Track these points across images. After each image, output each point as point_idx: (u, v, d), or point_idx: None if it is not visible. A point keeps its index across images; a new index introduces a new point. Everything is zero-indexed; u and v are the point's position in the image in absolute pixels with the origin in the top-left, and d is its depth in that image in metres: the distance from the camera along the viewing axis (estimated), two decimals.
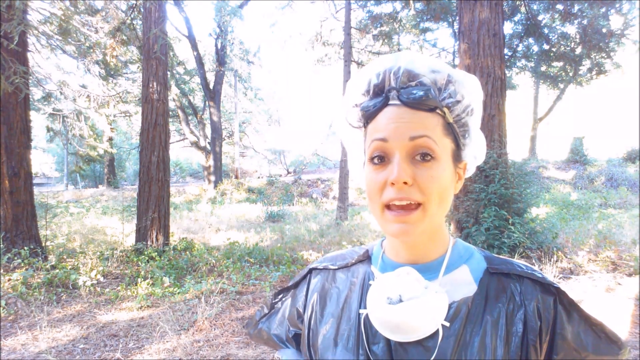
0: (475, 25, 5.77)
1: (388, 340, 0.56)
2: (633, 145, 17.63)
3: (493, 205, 5.22)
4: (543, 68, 11.23)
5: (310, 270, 0.71)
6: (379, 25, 11.80)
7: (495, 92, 5.70)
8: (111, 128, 18.93)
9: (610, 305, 3.80)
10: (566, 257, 5.25)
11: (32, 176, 5.61)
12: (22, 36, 5.29)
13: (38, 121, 17.31)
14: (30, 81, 6.04)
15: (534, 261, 4.92)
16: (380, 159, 0.54)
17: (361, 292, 0.62)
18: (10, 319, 3.74)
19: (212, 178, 17.70)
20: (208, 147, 18.57)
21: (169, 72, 10.29)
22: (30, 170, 5.56)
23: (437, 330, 0.54)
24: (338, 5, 13.09)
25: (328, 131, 25.48)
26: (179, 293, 4.47)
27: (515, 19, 9.90)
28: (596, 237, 6.34)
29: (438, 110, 0.55)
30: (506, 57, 9.32)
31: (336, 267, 0.68)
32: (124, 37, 7.17)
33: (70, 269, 4.94)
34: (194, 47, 16.24)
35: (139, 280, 4.78)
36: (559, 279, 4.60)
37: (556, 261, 4.96)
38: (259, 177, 22.67)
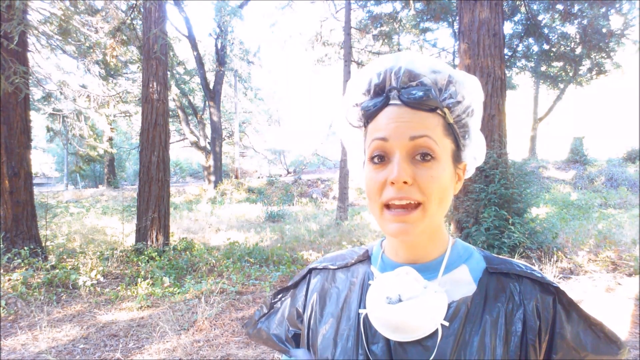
0: (475, 25, 5.77)
1: (387, 340, 0.56)
2: (633, 145, 17.64)
3: (493, 205, 5.22)
4: (543, 68, 11.23)
5: (310, 270, 0.71)
6: (379, 25, 11.80)
7: (495, 92, 5.70)
8: (111, 128, 18.93)
9: (610, 305, 3.80)
10: (566, 257, 5.25)
11: (32, 176, 5.61)
12: (22, 36, 5.28)
13: (38, 121, 17.32)
14: (30, 81, 6.04)
15: (534, 261, 4.92)
16: (380, 158, 0.54)
17: (361, 292, 0.62)
18: (10, 319, 3.74)
19: (212, 178, 17.70)
20: (208, 147, 18.57)
21: (169, 72, 10.29)
22: (30, 170, 5.56)
23: (437, 330, 0.54)
24: (338, 5, 13.10)
25: (328, 131, 25.48)
26: (179, 293, 4.47)
27: (515, 19, 9.90)
28: (596, 237, 6.34)
29: (439, 111, 0.55)
30: (506, 57, 9.33)
31: (336, 267, 0.68)
32: (124, 37, 7.16)
33: (70, 269, 4.94)
34: (194, 47, 16.24)
35: (139, 280, 4.78)
36: (559, 279, 4.60)
37: (556, 261, 4.96)
38: (259, 177, 22.67)
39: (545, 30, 9.52)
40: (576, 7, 8.95)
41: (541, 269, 4.65)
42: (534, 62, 10.85)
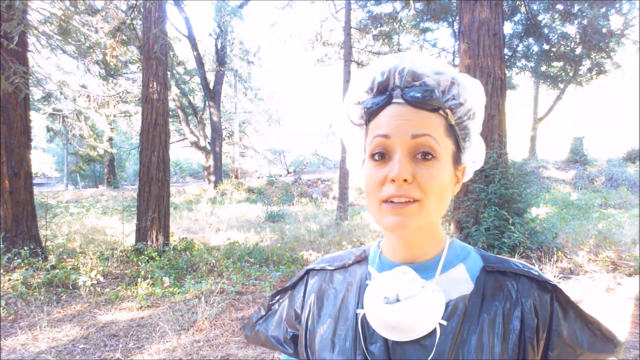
0: (475, 25, 5.77)
1: (385, 340, 0.56)
2: (633, 145, 17.64)
3: (493, 205, 5.22)
4: (543, 68, 11.23)
5: (308, 271, 0.71)
6: (379, 25, 11.80)
7: (495, 92, 5.70)
8: (111, 128, 18.93)
9: (610, 305, 3.80)
10: (566, 257, 5.25)
11: (32, 176, 5.61)
12: (22, 36, 5.28)
13: (38, 121, 17.32)
14: (30, 81, 6.04)
15: (534, 261, 4.92)
16: (381, 155, 0.54)
17: (358, 292, 0.62)
18: (10, 319, 3.74)
19: (212, 178, 17.70)
20: (208, 147, 18.58)
21: (169, 72, 10.29)
22: (30, 170, 5.56)
23: (435, 329, 0.54)
24: (338, 5, 13.10)
25: (328, 131, 25.49)
26: (179, 293, 4.47)
27: (515, 19, 9.90)
28: (596, 237, 6.34)
29: (441, 112, 0.55)
30: (506, 57, 9.33)
31: (333, 268, 0.68)
32: (124, 37, 7.16)
33: (70, 269, 4.94)
34: (194, 47, 16.24)
35: (139, 280, 4.78)
36: (559, 279, 4.60)
37: (556, 261, 4.96)
38: (259, 177, 22.68)
39: (545, 30, 9.52)
40: (576, 7, 8.95)
41: (541, 269, 4.66)
42: (534, 62, 10.86)
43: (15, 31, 4.89)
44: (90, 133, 14.69)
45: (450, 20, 10.48)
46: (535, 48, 10.27)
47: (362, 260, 0.67)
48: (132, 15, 7.14)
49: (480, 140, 0.63)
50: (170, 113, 14.98)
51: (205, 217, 10.90)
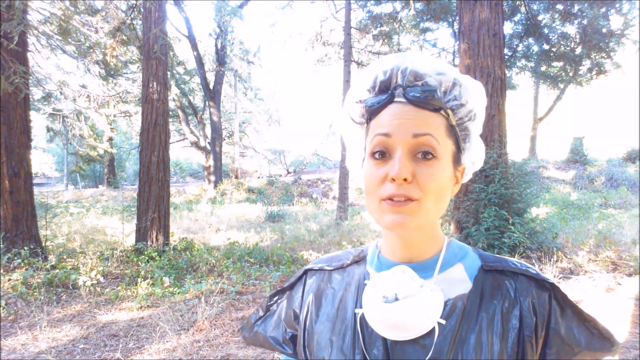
0: (475, 25, 5.77)
1: (384, 340, 0.56)
2: (633, 145, 17.64)
3: (493, 205, 5.22)
4: (543, 68, 11.24)
5: (306, 271, 0.71)
6: (379, 25, 11.80)
7: (495, 92, 5.70)
8: (111, 128, 18.93)
9: (610, 305, 3.80)
10: (566, 257, 5.25)
11: (32, 176, 5.61)
12: (22, 36, 5.28)
13: (38, 121, 17.32)
14: (30, 81, 6.04)
15: (534, 261, 4.92)
16: (382, 154, 0.54)
17: (357, 292, 0.62)
18: (10, 319, 3.74)
19: (212, 178, 17.70)
20: (208, 147, 18.58)
21: (169, 72, 10.29)
22: (30, 170, 5.56)
23: (434, 328, 0.54)
24: (338, 5, 13.10)
25: (328, 131, 25.50)
26: (179, 293, 4.47)
27: (515, 19, 9.90)
28: (596, 237, 6.34)
29: (442, 112, 0.56)
30: (506, 57, 9.33)
31: (332, 268, 0.68)
32: (124, 37, 7.16)
33: (70, 269, 4.94)
34: (194, 47, 16.24)
35: (139, 280, 4.78)
36: (559, 279, 4.60)
37: (556, 261, 4.96)
38: (259, 177, 22.68)
39: (545, 30, 9.53)
40: (576, 7, 8.95)
41: (541, 269, 4.66)
42: (534, 62, 10.86)
43: (15, 31, 4.89)
44: (90, 133, 14.70)
45: (450, 20, 10.48)
46: (535, 48, 10.27)
47: (360, 260, 0.67)
48: (132, 15, 7.14)
49: (480, 142, 0.63)
50: (170, 113, 14.99)
51: (205, 217, 10.90)
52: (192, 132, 18.61)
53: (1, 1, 4.91)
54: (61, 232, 7.13)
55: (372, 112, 0.57)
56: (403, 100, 0.55)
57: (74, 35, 7.05)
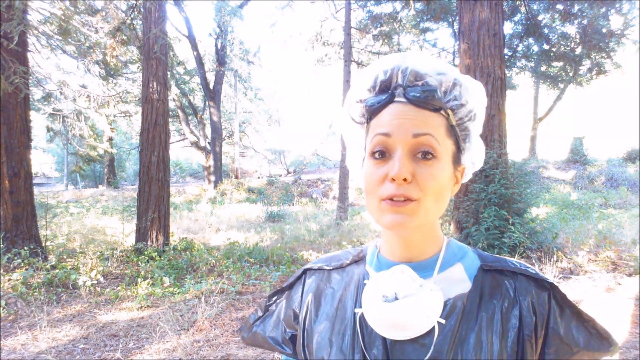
0: (475, 25, 5.77)
1: (384, 339, 0.56)
2: (633, 145, 17.64)
3: (493, 205, 5.22)
4: (543, 68, 11.24)
5: (305, 271, 0.71)
6: (379, 25, 11.80)
7: (495, 92, 5.70)
8: (111, 128, 18.94)
9: (610, 305, 3.80)
10: (566, 257, 5.25)
11: (32, 176, 5.61)
12: (22, 36, 5.28)
13: (38, 121, 17.32)
14: (30, 81, 6.04)
15: (534, 261, 4.92)
16: (382, 154, 0.54)
17: (356, 291, 0.62)
18: (10, 319, 3.74)
19: (212, 178, 17.70)
20: (208, 147, 18.58)
21: (169, 72, 10.29)
22: (30, 170, 5.56)
23: (433, 328, 0.54)
24: (338, 5, 13.10)
25: (328, 131, 25.50)
26: (179, 293, 4.47)
27: (515, 19, 9.90)
28: (596, 237, 6.34)
29: (442, 112, 0.56)
30: (506, 57, 9.33)
31: (331, 268, 0.68)
32: (124, 37, 7.16)
33: (70, 269, 4.94)
34: (194, 47, 16.24)
35: (139, 280, 4.78)
36: (559, 279, 4.60)
37: (556, 261, 4.96)
38: (259, 177, 22.68)
39: (545, 30, 9.52)
40: (576, 7, 8.95)
41: (541, 269, 4.66)
42: (534, 62, 10.86)
43: (15, 31, 4.89)
44: (90, 133, 14.70)
45: (450, 20, 10.48)
46: (535, 48, 10.27)
47: (359, 260, 0.67)
48: (132, 15, 7.14)
49: (480, 142, 0.63)
50: (170, 113, 15.00)
51: (205, 217, 10.90)
52: (192, 132, 18.61)
53: (1, 1, 4.91)
54: (61, 232, 7.13)
55: (372, 112, 0.57)
56: (403, 100, 0.55)
57: (74, 35, 7.05)
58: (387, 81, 0.56)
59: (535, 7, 9.47)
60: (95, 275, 4.80)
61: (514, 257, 4.95)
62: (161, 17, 6.30)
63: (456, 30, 10.03)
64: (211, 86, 17.70)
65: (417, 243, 0.59)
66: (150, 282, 4.77)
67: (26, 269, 4.77)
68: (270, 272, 5.30)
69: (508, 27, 10.11)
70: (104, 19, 7.12)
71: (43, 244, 5.64)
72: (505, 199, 5.27)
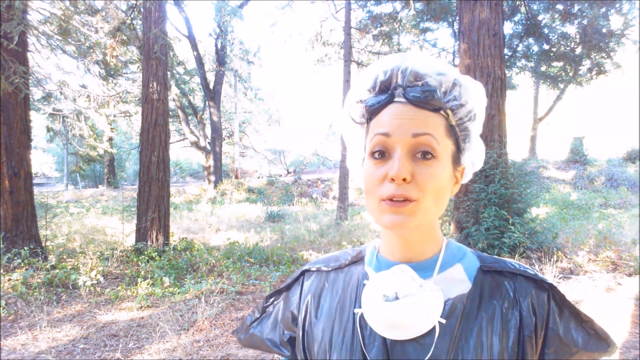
0: (475, 25, 5.77)
1: (384, 339, 0.56)
2: (633, 145, 17.64)
3: (493, 205, 5.22)
4: (543, 68, 11.24)
5: (303, 272, 0.70)
6: (379, 25, 11.80)
7: (495, 92, 5.70)
8: (111, 128, 18.93)
9: (610, 305, 3.80)
10: (566, 257, 5.25)
11: (32, 176, 5.61)
12: (22, 36, 5.28)
13: (38, 121, 17.33)
14: (30, 81, 6.04)
15: (534, 261, 4.92)
16: (381, 154, 0.54)
17: (355, 292, 0.62)
18: (10, 319, 3.74)
19: (212, 178, 17.70)
20: (208, 147, 18.58)
21: (169, 72, 10.29)
22: (30, 170, 5.56)
23: (434, 328, 0.54)
24: (338, 5, 13.10)
25: (328, 131, 25.50)
26: (179, 293, 4.47)
27: (515, 19, 9.90)
28: (596, 237, 6.33)
29: (442, 112, 0.56)
30: (506, 57, 9.33)
31: (329, 269, 0.68)
32: (124, 37, 7.16)
33: (70, 269, 4.94)
34: (194, 47, 16.24)
35: (139, 280, 4.78)
36: (559, 279, 4.60)
37: (556, 261, 4.96)
38: (259, 177, 22.68)
39: (545, 30, 9.52)
40: (576, 7, 8.95)
41: (541, 269, 4.66)
42: (534, 62, 10.86)
43: (15, 31, 4.89)
44: (90, 133, 14.70)
45: (450, 20, 10.48)
46: (535, 48, 10.27)
47: (358, 260, 0.67)
48: (132, 15, 7.14)
49: (480, 142, 0.63)
50: (170, 113, 15.00)
51: (205, 217, 10.90)
52: (192, 132, 18.61)
53: (1, 1, 4.91)
54: (61, 232, 7.13)
55: (372, 112, 0.57)
56: (403, 100, 0.55)
57: (74, 35, 7.05)
58: (387, 81, 0.56)
59: (535, 7, 9.47)
60: (95, 275, 4.80)
61: (514, 257, 4.95)
62: (161, 17, 6.30)
63: (456, 30, 10.03)
64: (211, 86, 17.70)
65: (416, 243, 0.59)
66: (150, 282, 4.77)
67: (26, 269, 4.77)
68: (270, 272, 5.30)
69: (508, 27, 10.12)
70: (104, 19, 7.12)
71: (43, 244, 5.64)
72: (505, 199, 5.27)
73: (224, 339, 3.33)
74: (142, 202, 6.17)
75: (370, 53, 13.88)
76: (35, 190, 6.32)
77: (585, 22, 8.95)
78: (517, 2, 9.38)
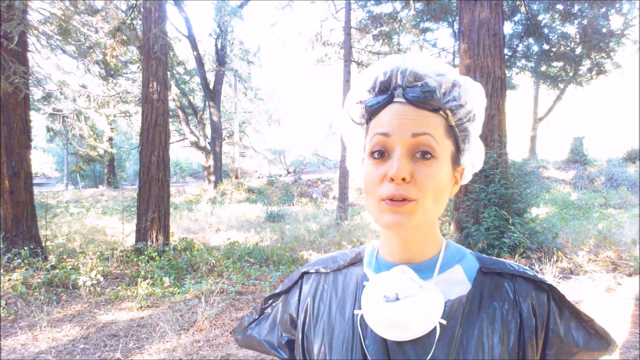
0: (475, 25, 5.77)
1: (384, 340, 0.56)
2: (633, 145, 17.64)
3: (493, 205, 5.22)
4: (543, 68, 11.24)
5: (302, 275, 0.70)
6: (379, 25, 11.80)
7: (495, 92, 5.70)
8: (111, 128, 18.93)
9: (610, 305, 3.80)
10: (566, 257, 5.25)
11: (32, 176, 5.61)
12: (22, 36, 5.28)
13: (38, 121, 17.33)
14: (30, 81, 6.04)
15: (534, 261, 4.92)
16: (381, 154, 0.54)
17: (355, 293, 0.62)
18: (10, 319, 3.74)
19: (212, 178, 17.70)
20: (208, 147, 18.58)
21: (169, 72, 10.29)
22: (30, 170, 5.56)
23: (434, 329, 0.54)
24: (338, 5, 13.09)
25: (328, 131, 25.50)
26: (179, 293, 4.47)
27: (515, 19, 9.90)
28: (596, 237, 6.33)
29: (441, 112, 0.56)
30: (506, 57, 9.32)
31: (328, 271, 0.68)
32: (124, 37, 7.16)
33: (70, 269, 4.94)
34: (194, 47, 16.24)
35: (139, 280, 4.78)
36: (559, 279, 4.60)
37: (556, 261, 4.96)
38: (259, 177, 22.68)
39: (545, 30, 9.52)
40: (576, 7, 8.95)
41: (541, 269, 4.66)
42: (534, 62, 10.86)
43: (15, 31, 4.89)
44: (90, 133, 14.70)
45: (450, 20, 10.48)
46: (535, 48, 10.27)
47: (357, 262, 0.67)
48: (132, 15, 7.14)
49: (479, 143, 0.63)
50: (170, 113, 14.99)
51: (205, 217, 10.90)
52: (192, 132, 18.61)
53: (1, 1, 4.91)
54: (61, 232, 7.13)
55: (371, 112, 0.57)
56: (402, 100, 0.55)
57: (74, 35, 7.05)
58: (387, 82, 0.56)
59: (535, 7, 9.47)
60: (95, 275, 4.80)
61: (514, 257, 4.95)
62: (161, 17, 6.30)
63: (456, 30, 10.03)
64: (211, 86, 17.70)
65: (416, 243, 0.59)
66: (150, 282, 4.77)
67: (26, 269, 4.77)
68: (270, 272, 5.30)
69: (508, 27, 10.12)
70: (104, 19, 7.12)
71: (43, 244, 5.64)
72: (505, 199, 5.27)
73: (224, 339, 3.33)
74: (142, 202, 6.17)
75: (370, 53, 13.88)
76: (35, 190, 6.32)
77: (585, 22, 8.95)
78: (517, 2, 9.38)
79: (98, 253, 5.80)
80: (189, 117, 19.33)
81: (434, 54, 11.91)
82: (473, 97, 0.58)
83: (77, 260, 5.42)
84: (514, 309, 0.56)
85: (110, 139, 18.94)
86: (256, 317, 0.74)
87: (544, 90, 16.47)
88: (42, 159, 30.27)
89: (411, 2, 10.19)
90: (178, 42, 16.46)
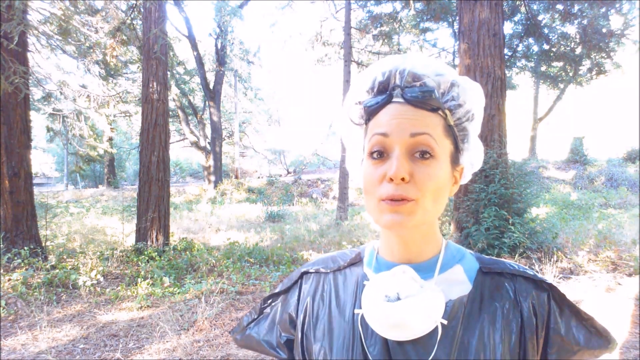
0: (475, 25, 5.77)
1: (385, 340, 0.56)
2: (633, 145, 17.64)
3: (493, 205, 5.22)
4: (543, 68, 11.24)
5: (302, 275, 0.70)
6: (379, 25, 11.80)
7: (495, 92, 5.70)
8: (111, 128, 18.93)
9: (610, 305, 3.80)
10: (566, 257, 5.25)
11: (32, 176, 5.61)
12: (22, 36, 5.28)
13: (38, 121, 17.33)
14: (30, 81, 6.04)
15: (534, 261, 4.92)
16: (380, 154, 0.54)
17: (355, 293, 0.62)
18: (10, 319, 3.74)
19: (212, 178, 17.70)
20: (208, 147, 18.58)
21: (169, 72, 10.29)
22: (30, 170, 5.56)
23: (435, 329, 0.54)
24: (338, 5, 13.09)
25: (328, 131, 25.50)
26: (179, 293, 4.47)
27: (515, 19, 9.90)
28: (596, 237, 6.33)
29: (440, 112, 0.56)
30: (506, 57, 9.32)
31: (328, 271, 0.68)
32: (124, 37, 7.16)
33: (70, 269, 4.94)
34: (194, 47, 16.24)
35: (139, 280, 4.78)
36: (559, 279, 4.60)
37: (556, 261, 4.96)
38: (259, 177, 22.68)
39: (545, 30, 9.52)
40: (576, 7, 8.95)
41: (541, 269, 4.66)
42: (534, 62, 10.86)
43: (15, 31, 4.89)
44: (90, 133, 14.70)
45: (450, 20, 10.48)
46: (535, 48, 10.27)
47: (357, 261, 0.67)
48: (132, 15, 7.14)
49: (479, 143, 0.63)
50: (170, 113, 14.99)
51: (205, 217, 10.90)
52: (192, 132, 18.61)
53: (1, 1, 4.91)
54: (61, 232, 7.13)
55: (370, 113, 0.57)
56: (401, 100, 0.55)
57: (74, 35, 7.05)
58: (385, 82, 0.56)
59: (535, 7, 9.47)
60: (95, 275, 4.80)
61: (514, 257, 4.95)
62: (161, 17, 6.30)
63: (456, 30, 10.03)
64: (211, 86, 17.70)
65: (416, 243, 0.59)
66: (150, 282, 4.77)
67: (26, 269, 4.77)
68: (270, 272, 5.30)
69: (508, 27, 10.12)
70: (104, 19, 7.12)
71: (43, 244, 5.64)
72: (505, 199, 5.27)
73: (224, 339, 3.33)
74: (142, 202, 6.17)
75: (370, 53, 13.88)
76: (35, 190, 6.32)
77: (585, 22, 8.95)
78: (517, 2, 9.38)
79: (98, 253, 5.80)
80: (189, 117, 19.33)
81: (434, 54, 11.91)
82: (472, 96, 0.58)
83: (77, 260, 5.42)
84: (515, 309, 0.56)
85: (110, 139, 18.94)
86: (255, 317, 0.73)
87: (544, 90, 16.48)
88: (42, 159, 30.27)
89: (411, 2, 10.19)
90: (178, 42, 16.46)
